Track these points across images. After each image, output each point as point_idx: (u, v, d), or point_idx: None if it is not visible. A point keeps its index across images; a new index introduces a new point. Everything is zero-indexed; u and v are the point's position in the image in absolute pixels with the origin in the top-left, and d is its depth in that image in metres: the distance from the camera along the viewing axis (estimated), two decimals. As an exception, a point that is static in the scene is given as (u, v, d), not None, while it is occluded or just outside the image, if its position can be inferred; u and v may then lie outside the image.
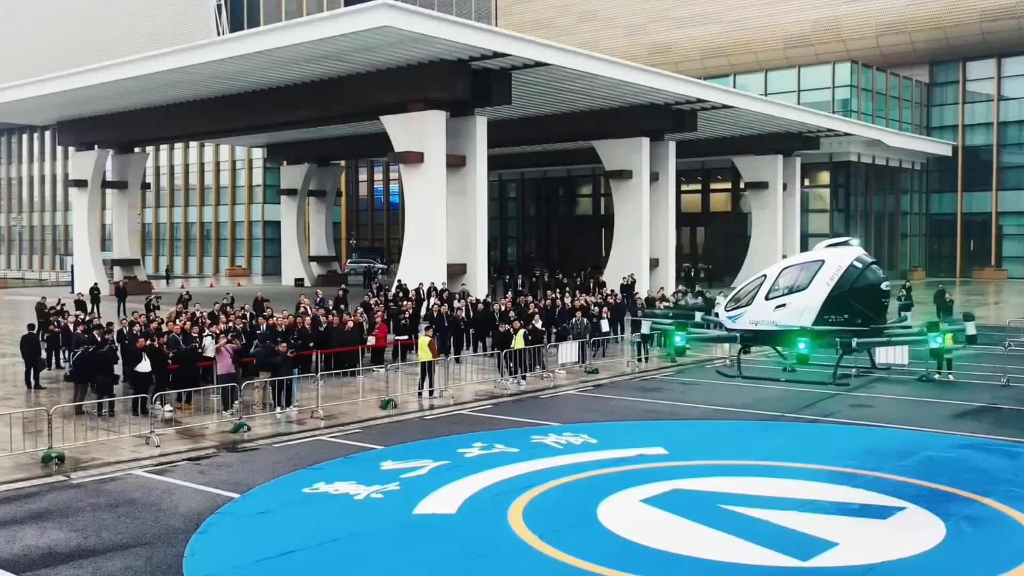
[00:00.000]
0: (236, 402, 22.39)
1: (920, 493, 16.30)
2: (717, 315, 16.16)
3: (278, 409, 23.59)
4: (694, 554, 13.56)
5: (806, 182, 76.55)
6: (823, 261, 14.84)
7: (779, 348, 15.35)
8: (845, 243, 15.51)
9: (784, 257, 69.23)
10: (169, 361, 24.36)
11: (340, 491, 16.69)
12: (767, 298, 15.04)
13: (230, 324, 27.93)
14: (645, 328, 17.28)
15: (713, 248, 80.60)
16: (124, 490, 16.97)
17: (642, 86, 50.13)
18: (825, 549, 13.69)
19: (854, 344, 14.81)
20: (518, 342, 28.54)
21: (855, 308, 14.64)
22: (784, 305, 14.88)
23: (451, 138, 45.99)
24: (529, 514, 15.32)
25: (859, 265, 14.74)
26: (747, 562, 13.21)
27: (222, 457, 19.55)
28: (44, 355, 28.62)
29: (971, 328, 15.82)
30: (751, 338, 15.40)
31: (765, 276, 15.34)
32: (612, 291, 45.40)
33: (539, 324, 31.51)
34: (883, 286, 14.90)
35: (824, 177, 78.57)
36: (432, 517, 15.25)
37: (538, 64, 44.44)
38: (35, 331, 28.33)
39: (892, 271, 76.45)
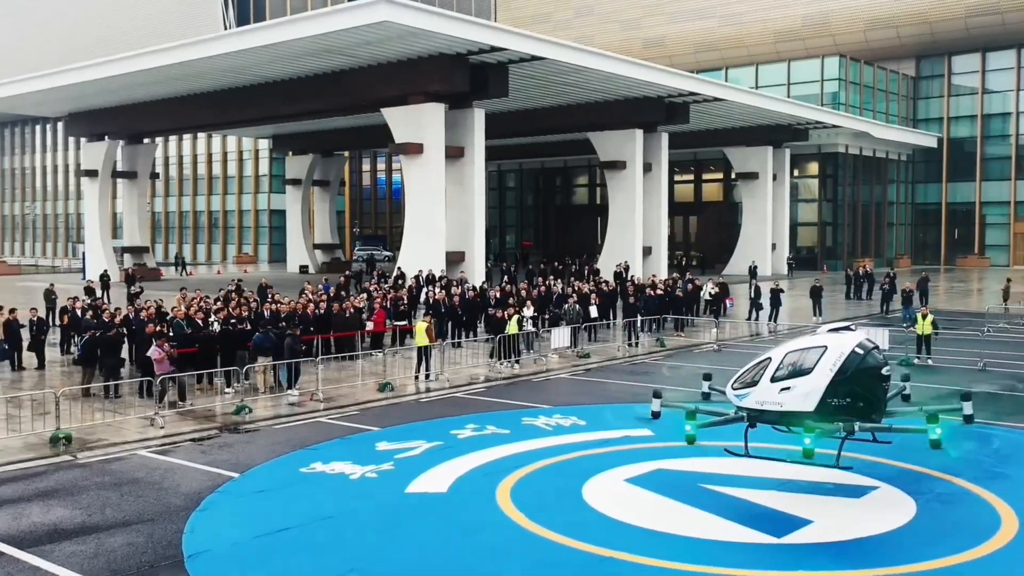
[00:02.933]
0: (165, 398, 22.50)
1: (893, 473, 16.76)
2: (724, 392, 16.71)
3: (289, 390, 24.24)
4: (673, 531, 14.05)
5: (795, 172, 77.74)
6: (826, 347, 15.35)
7: (784, 427, 15.97)
8: (847, 328, 16.01)
9: (773, 247, 70.62)
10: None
11: (336, 471, 17.17)
12: (773, 380, 15.56)
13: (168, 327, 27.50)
14: (656, 406, 17.76)
15: (706, 237, 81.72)
16: (128, 470, 17.49)
17: (636, 79, 50.78)
18: (800, 526, 14.16)
19: (856, 428, 15.39)
20: (512, 327, 29.17)
21: (857, 392, 15.18)
22: (789, 388, 15.38)
23: (450, 130, 46.61)
24: (517, 493, 15.81)
25: (861, 351, 15.21)
26: (724, 539, 13.69)
27: (224, 438, 20.10)
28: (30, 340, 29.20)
29: (968, 408, 16.34)
30: (757, 417, 15.98)
31: (770, 359, 15.86)
32: (604, 280, 45.95)
33: (530, 311, 32.13)
34: (884, 371, 15.42)
35: (813, 168, 79.68)
36: (424, 496, 15.74)
37: (534, 58, 45.15)
38: (15, 315, 28.88)
39: (879, 259, 77.95)
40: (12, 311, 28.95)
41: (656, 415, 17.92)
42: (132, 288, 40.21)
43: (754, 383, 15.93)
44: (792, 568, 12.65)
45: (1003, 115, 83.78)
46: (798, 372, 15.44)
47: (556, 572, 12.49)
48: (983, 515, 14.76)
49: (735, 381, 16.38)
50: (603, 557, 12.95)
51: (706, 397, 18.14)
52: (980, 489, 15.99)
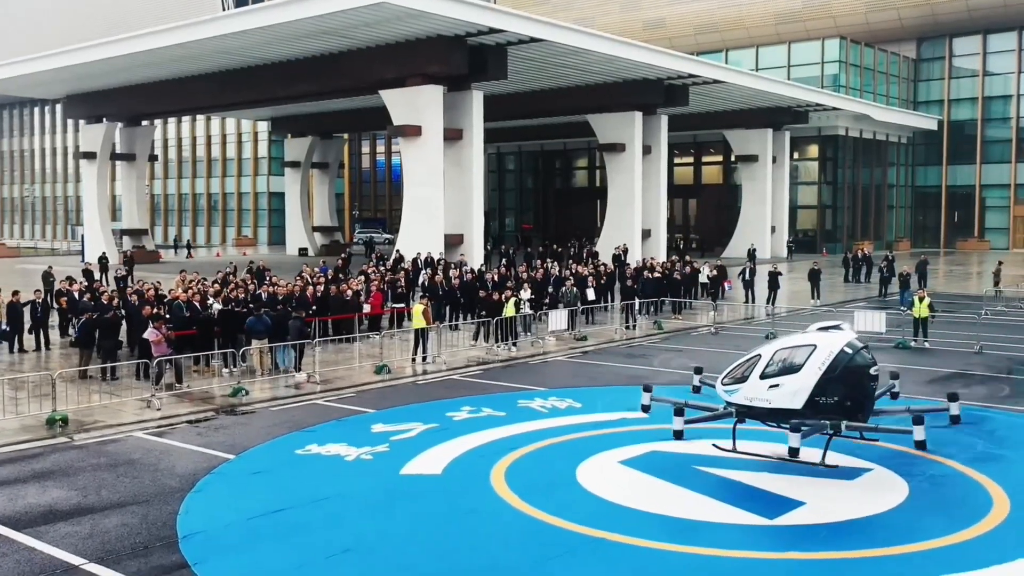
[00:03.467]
0: (162, 380, 22.56)
1: (887, 455, 16.81)
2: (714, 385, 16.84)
3: (294, 372, 24.42)
4: (665, 512, 14.14)
5: (795, 155, 77.80)
6: (815, 346, 15.50)
7: (773, 424, 16.12)
8: (836, 327, 16.15)
9: (773, 230, 70.73)
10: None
11: (331, 452, 17.29)
12: (762, 377, 15.72)
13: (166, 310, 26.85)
14: (645, 400, 17.94)
15: (705, 219, 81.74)
16: (124, 451, 17.58)
17: (635, 61, 50.75)
18: (792, 508, 14.25)
19: (843, 427, 15.53)
20: (509, 310, 29.23)
21: (845, 391, 15.34)
22: (778, 385, 15.54)
23: (448, 112, 46.56)
24: (511, 475, 15.91)
25: (849, 351, 15.40)
26: (716, 520, 13.78)
27: (220, 420, 20.19)
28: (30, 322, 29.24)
29: (955, 408, 16.49)
30: (746, 413, 16.14)
31: (760, 356, 16.01)
32: (603, 263, 46.04)
33: (526, 294, 32.18)
34: (871, 371, 15.57)
35: (813, 150, 79.73)
36: (418, 477, 15.84)
37: (533, 40, 45.03)
38: (17, 297, 28.83)
39: (878, 242, 78.13)
40: (15, 293, 28.97)
41: (646, 408, 18.05)
42: (118, 271, 40.02)
43: (743, 379, 16.10)
44: (783, 549, 12.75)
45: (1004, 97, 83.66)
46: (787, 370, 15.61)
47: (548, 553, 12.54)
48: (975, 497, 14.85)
49: (725, 376, 16.53)
50: (595, 538, 13.03)
51: (696, 391, 18.22)
52: (973, 471, 16.08)
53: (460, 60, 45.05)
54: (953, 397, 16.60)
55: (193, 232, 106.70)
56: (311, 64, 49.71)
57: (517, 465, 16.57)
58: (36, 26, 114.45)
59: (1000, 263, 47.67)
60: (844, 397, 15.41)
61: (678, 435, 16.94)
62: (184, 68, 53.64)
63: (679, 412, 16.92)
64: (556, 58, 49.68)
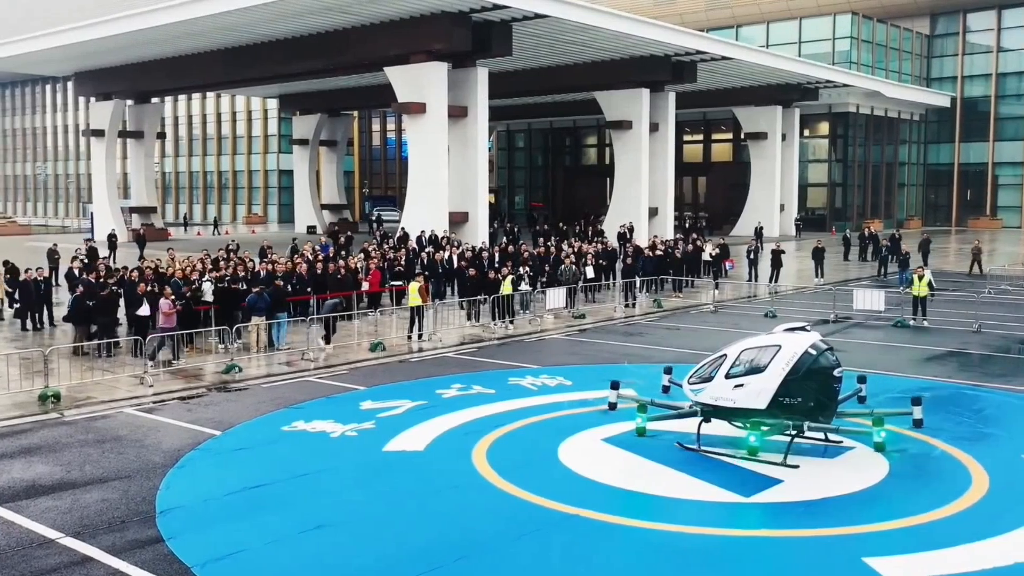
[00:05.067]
0: (159, 353, 22.82)
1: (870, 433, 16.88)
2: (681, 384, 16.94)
3: (321, 344, 24.73)
4: (641, 490, 14.22)
5: (805, 132, 77.33)
6: (780, 346, 15.59)
7: (739, 423, 16.21)
8: (802, 329, 16.21)
9: (781, 208, 70.51)
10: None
11: (317, 429, 17.38)
12: (727, 376, 15.83)
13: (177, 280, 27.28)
14: (612, 397, 18.09)
15: (714, 197, 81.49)
16: (112, 427, 17.72)
17: (642, 38, 50.61)
18: (769, 486, 14.29)
19: (805, 428, 15.62)
20: (506, 288, 29.26)
21: (808, 392, 15.44)
22: (742, 385, 15.65)
23: (453, 89, 46.53)
24: (493, 452, 15.99)
25: (814, 352, 15.51)
26: (691, 497, 13.86)
27: (211, 396, 20.32)
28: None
29: (918, 412, 16.59)
30: (711, 412, 16.23)
31: (726, 356, 16.11)
32: (604, 240, 46.02)
33: (524, 269, 32.18)
34: (835, 372, 15.66)
35: (823, 128, 79.27)
36: (400, 454, 15.94)
37: (538, 16, 44.91)
38: (28, 274, 28.96)
39: (888, 220, 77.58)
40: (27, 270, 29.13)
41: (613, 407, 18.20)
42: (78, 251, 40.00)
43: (709, 379, 16.20)
44: (754, 527, 12.83)
45: (1018, 74, 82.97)
46: (752, 370, 15.71)
47: (522, 530, 12.61)
48: (955, 476, 14.88)
49: (692, 376, 16.64)
50: (570, 515, 13.09)
51: (666, 390, 18.28)
52: (955, 450, 16.11)
53: (464, 37, 45.00)
54: (916, 401, 16.74)
55: (204, 210, 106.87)
56: (316, 41, 49.76)
57: (500, 443, 16.63)
58: (43, 1, 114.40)
59: (978, 242, 47.05)
60: (808, 398, 15.50)
61: (640, 432, 17.06)
62: (191, 45, 53.76)
63: (642, 408, 17.05)
64: (562, 34, 49.58)
